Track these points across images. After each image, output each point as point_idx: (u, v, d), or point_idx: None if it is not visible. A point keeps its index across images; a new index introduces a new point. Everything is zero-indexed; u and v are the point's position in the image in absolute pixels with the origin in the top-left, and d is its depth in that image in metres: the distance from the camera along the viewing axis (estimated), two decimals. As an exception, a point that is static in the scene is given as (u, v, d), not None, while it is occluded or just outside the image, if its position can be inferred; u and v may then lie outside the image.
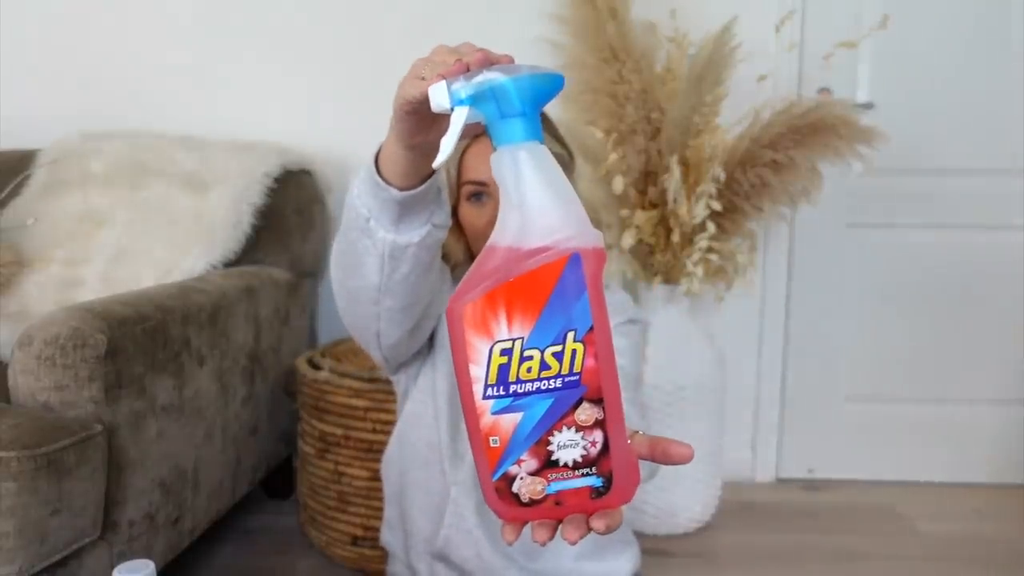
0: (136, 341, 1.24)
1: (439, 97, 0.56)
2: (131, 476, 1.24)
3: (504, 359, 0.52)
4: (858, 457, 2.26)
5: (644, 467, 0.57)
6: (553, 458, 0.53)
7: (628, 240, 1.81)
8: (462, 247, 1.06)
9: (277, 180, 1.90)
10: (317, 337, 2.18)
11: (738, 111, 1.82)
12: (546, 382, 0.52)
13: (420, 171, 0.76)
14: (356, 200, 0.82)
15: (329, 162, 2.12)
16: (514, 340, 0.52)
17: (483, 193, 1.00)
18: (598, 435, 0.53)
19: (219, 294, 1.56)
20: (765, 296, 2.20)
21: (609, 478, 0.53)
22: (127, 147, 1.95)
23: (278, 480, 2.00)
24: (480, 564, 1.09)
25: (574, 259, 0.51)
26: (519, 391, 0.52)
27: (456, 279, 1.08)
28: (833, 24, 2.07)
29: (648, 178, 1.85)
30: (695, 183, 1.79)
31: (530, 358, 0.52)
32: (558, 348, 0.52)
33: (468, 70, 0.56)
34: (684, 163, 1.79)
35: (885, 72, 2.12)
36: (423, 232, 0.83)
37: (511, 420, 0.52)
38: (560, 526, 0.54)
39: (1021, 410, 2.22)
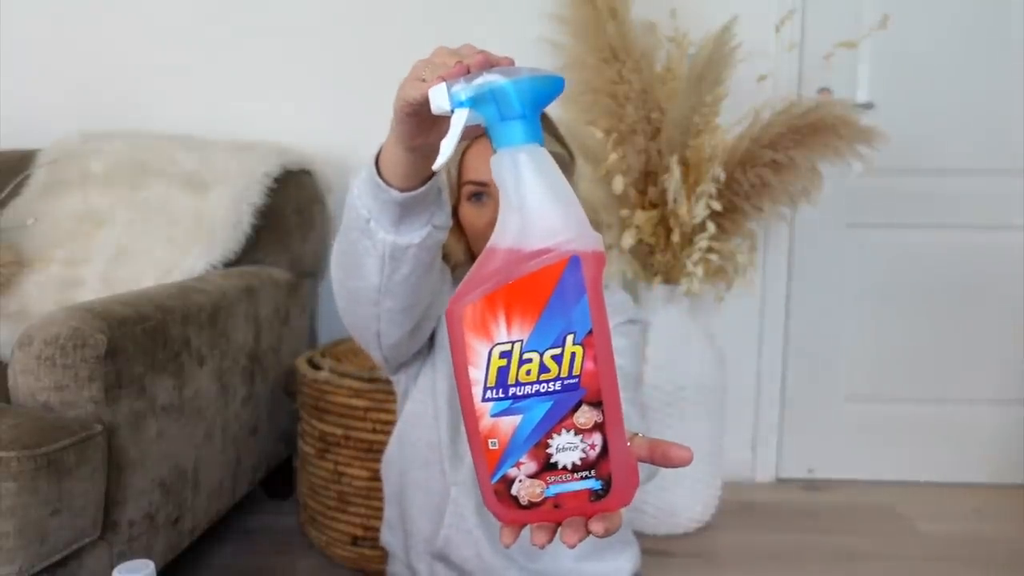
0: (136, 341, 1.24)
1: (439, 99, 0.56)
2: (131, 476, 1.24)
3: (503, 361, 0.52)
4: (858, 457, 2.26)
5: (642, 468, 0.57)
6: (552, 461, 0.53)
7: (628, 240, 1.81)
8: (463, 247, 1.06)
9: (277, 180, 1.90)
10: (317, 337, 2.18)
11: (738, 111, 1.82)
12: (545, 385, 0.52)
13: (420, 172, 0.76)
14: (356, 201, 0.82)
15: (329, 162, 2.12)
16: (513, 343, 0.52)
17: (484, 193, 1.00)
18: (597, 438, 0.53)
19: (219, 294, 1.56)
20: (765, 296, 2.20)
21: (608, 481, 0.53)
22: (127, 147, 1.95)
23: (278, 480, 2.00)
24: (480, 564, 1.09)
25: (573, 262, 0.51)
26: (518, 394, 0.52)
27: (457, 280, 1.08)
28: (833, 24, 2.07)
29: (648, 178, 1.85)
30: (695, 183, 1.79)
31: (529, 361, 0.52)
32: (557, 351, 0.52)
33: (468, 72, 0.56)
34: (684, 163, 1.79)
35: (885, 72, 2.12)
36: (423, 233, 0.83)
37: (510, 423, 0.52)
38: (559, 529, 0.54)
39: (1021, 410, 2.22)
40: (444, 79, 0.56)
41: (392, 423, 1.22)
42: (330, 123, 2.16)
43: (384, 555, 1.31)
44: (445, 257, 1.05)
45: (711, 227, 1.76)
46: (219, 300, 1.54)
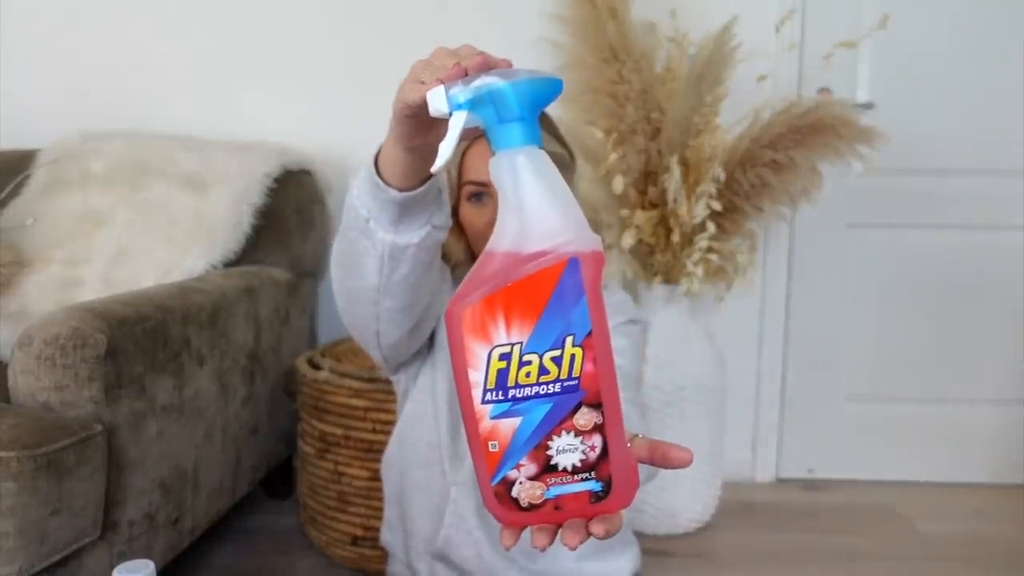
0: (136, 341, 1.24)
1: (437, 101, 0.56)
2: (131, 476, 1.24)
3: (503, 364, 0.52)
4: (858, 457, 2.26)
5: (642, 469, 0.57)
6: (552, 462, 0.53)
7: (628, 240, 1.81)
8: (462, 247, 1.06)
9: (277, 180, 1.90)
10: (317, 337, 2.18)
11: (738, 111, 1.82)
12: (545, 387, 0.52)
13: (419, 173, 0.76)
14: (355, 200, 0.82)
15: (329, 162, 2.11)
16: (513, 345, 0.52)
17: (484, 194, 1.00)
18: (597, 439, 0.53)
19: (219, 294, 1.56)
20: (765, 296, 2.20)
21: (608, 482, 0.53)
22: (127, 147, 1.95)
23: (278, 480, 2.00)
24: (480, 564, 1.09)
25: (572, 263, 0.51)
26: (518, 396, 0.52)
27: (456, 279, 1.08)
28: (833, 24, 2.06)
29: (648, 178, 1.85)
30: (695, 183, 1.79)
31: (529, 363, 0.52)
32: (557, 353, 0.52)
33: (466, 74, 0.56)
34: (684, 163, 1.79)
35: (885, 72, 2.12)
36: (422, 233, 0.83)
37: (510, 425, 0.52)
38: (559, 531, 0.54)
39: (1021, 410, 2.22)
40: (442, 81, 0.56)
41: (392, 423, 1.22)
42: (330, 123, 2.16)
43: (384, 555, 1.31)
44: (445, 257, 1.05)
45: (711, 227, 1.76)
46: (219, 300, 1.54)
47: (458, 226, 1.05)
